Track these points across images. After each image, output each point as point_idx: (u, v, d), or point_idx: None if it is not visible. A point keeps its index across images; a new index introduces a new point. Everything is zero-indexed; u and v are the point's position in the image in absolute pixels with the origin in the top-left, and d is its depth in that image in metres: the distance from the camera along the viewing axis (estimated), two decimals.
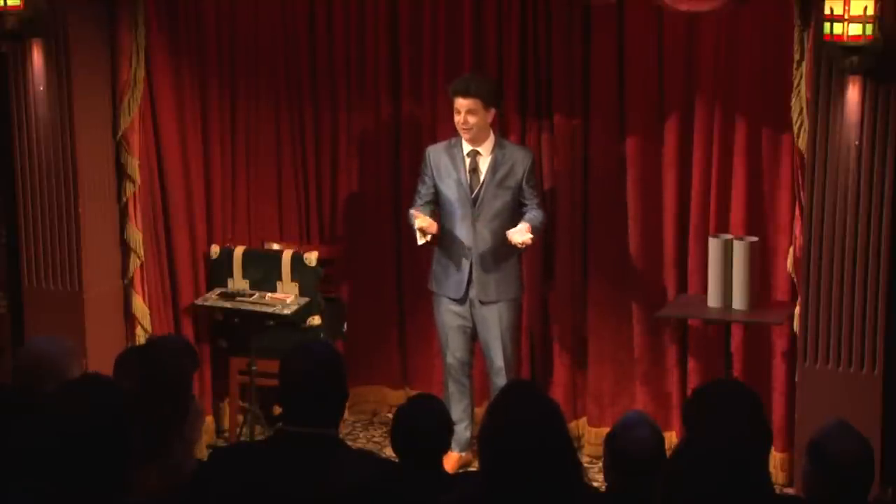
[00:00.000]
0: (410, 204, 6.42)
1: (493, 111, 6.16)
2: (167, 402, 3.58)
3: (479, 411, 6.79)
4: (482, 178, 6.18)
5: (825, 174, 5.38)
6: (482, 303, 6.23)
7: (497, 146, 6.21)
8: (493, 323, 6.24)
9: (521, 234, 6.02)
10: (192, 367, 3.87)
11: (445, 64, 6.73)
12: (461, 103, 6.10)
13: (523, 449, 3.09)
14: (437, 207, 6.30)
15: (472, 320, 6.30)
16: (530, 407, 3.21)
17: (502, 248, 6.16)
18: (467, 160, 6.21)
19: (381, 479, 3.05)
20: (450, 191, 6.22)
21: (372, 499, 2.99)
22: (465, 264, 6.20)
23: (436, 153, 6.30)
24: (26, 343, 4.70)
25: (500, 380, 6.23)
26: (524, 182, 6.18)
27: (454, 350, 6.32)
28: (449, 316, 6.30)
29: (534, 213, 6.16)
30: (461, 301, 6.25)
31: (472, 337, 6.37)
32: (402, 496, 3.05)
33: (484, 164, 6.20)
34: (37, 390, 3.90)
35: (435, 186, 6.26)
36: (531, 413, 3.18)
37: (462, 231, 6.20)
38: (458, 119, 6.14)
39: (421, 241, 6.18)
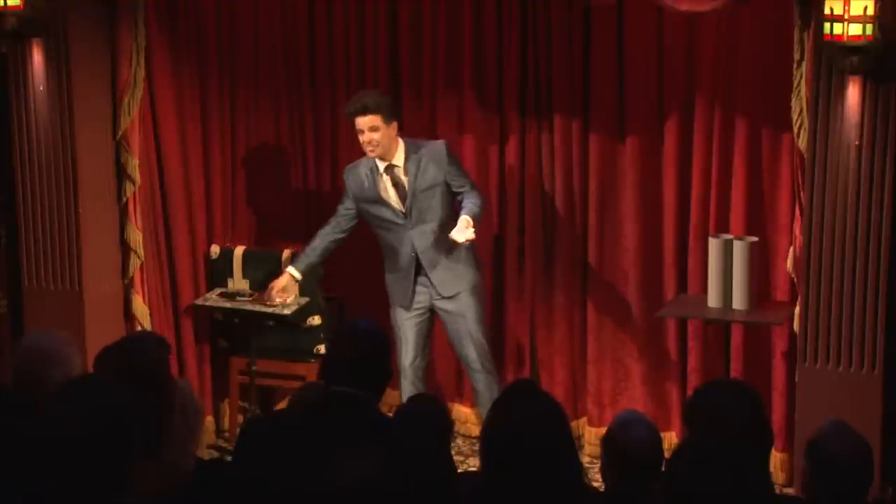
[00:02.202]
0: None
1: (395, 123, 6.05)
2: (150, 391, 3.56)
3: (469, 410, 6.81)
4: (407, 188, 6.11)
5: (825, 174, 5.38)
6: (445, 298, 6.18)
7: (409, 152, 6.11)
8: (460, 317, 6.18)
9: (461, 234, 5.88)
10: (167, 355, 3.88)
11: (445, 64, 6.73)
12: (362, 122, 5.99)
13: (524, 449, 3.09)
14: (350, 227, 6.30)
15: (428, 320, 6.25)
16: (532, 406, 3.21)
17: (446, 243, 6.08)
18: (386, 177, 6.13)
19: (381, 479, 3.05)
20: (380, 210, 6.16)
21: (372, 499, 3.00)
22: (412, 271, 6.15)
23: (354, 177, 6.22)
24: (23, 340, 4.70)
25: (481, 382, 6.21)
26: (447, 174, 6.10)
27: (408, 350, 6.23)
28: (402, 318, 6.24)
29: (470, 201, 6.03)
30: (407, 307, 6.22)
31: (427, 336, 6.31)
32: (402, 497, 3.05)
33: (403, 175, 6.12)
34: (40, 388, 3.90)
35: (357, 207, 6.21)
36: (532, 413, 3.18)
37: (403, 241, 6.14)
38: (362, 139, 6.03)
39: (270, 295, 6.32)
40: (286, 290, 6.35)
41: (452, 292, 6.18)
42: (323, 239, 6.33)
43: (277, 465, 3.56)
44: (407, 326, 6.24)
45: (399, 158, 6.11)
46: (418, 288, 6.19)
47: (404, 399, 6.15)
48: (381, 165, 6.12)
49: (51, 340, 4.19)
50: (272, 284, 6.36)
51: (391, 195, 6.13)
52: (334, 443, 3.36)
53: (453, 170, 6.12)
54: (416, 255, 6.13)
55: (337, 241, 6.34)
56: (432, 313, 6.25)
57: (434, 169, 6.09)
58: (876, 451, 3.59)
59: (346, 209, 6.28)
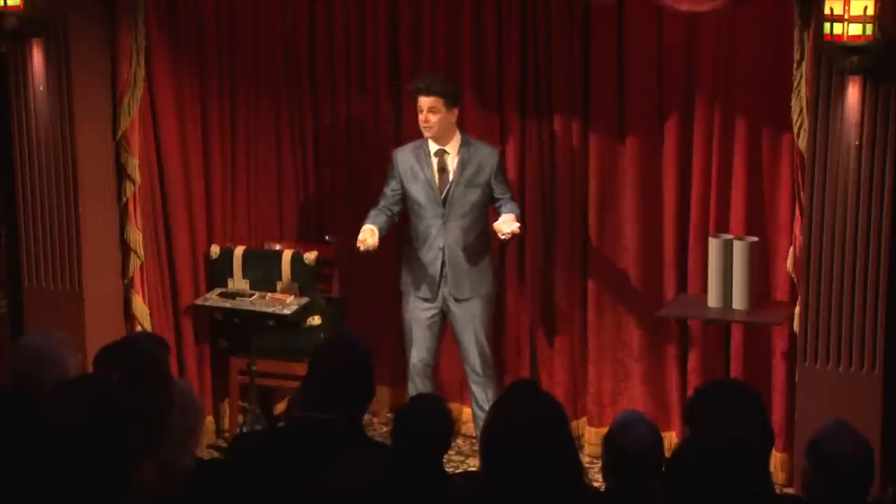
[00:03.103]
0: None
1: (455, 111, 6.17)
2: (150, 391, 3.56)
3: (468, 410, 6.82)
4: (451, 176, 6.18)
5: (825, 174, 5.38)
6: (456, 300, 6.22)
7: (463, 145, 6.21)
8: (467, 321, 6.23)
9: (508, 225, 5.99)
10: (166, 355, 3.88)
11: (445, 64, 6.72)
12: (423, 101, 6.11)
13: (524, 449, 3.09)
14: (399, 211, 6.28)
15: (441, 320, 6.29)
16: (532, 406, 3.21)
17: (474, 245, 6.19)
18: (434, 160, 6.20)
19: (382, 479, 3.05)
20: (419, 192, 6.21)
21: (373, 499, 3.00)
22: (437, 263, 6.20)
23: (403, 155, 6.28)
24: (21, 340, 4.69)
25: (478, 385, 6.25)
26: (493, 179, 6.18)
27: (419, 348, 6.28)
28: (417, 312, 6.27)
29: (511, 205, 6.16)
30: (432, 300, 6.25)
31: (439, 336, 6.34)
32: (403, 497, 3.05)
33: (452, 163, 6.19)
34: (36, 389, 3.90)
35: (402, 188, 6.25)
36: (532, 413, 3.18)
37: (433, 231, 6.19)
38: (420, 118, 6.14)
39: (362, 248, 6.11)
40: (373, 236, 6.11)
41: (466, 295, 6.22)
42: (380, 213, 6.26)
43: (263, 481, 3.56)
44: (422, 325, 6.27)
45: (452, 146, 6.19)
46: (443, 285, 6.22)
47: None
48: (433, 148, 6.20)
49: (47, 341, 4.18)
50: (362, 237, 6.08)
51: (435, 179, 6.18)
52: (318, 470, 3.34)
53: (500, 176, 6.22)
54: (443, 249, 6.16)
55: (391, 216, 6.28)
56: (445, 313, 6.28)
57: (482, 167, 6.17)
58: (876, 451, 3.58)
59: (393, 190, 6.27)
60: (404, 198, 6.27)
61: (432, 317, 6.27)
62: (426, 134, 6.16)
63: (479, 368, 6.26)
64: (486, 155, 6.20)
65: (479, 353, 6.25)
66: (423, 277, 6.25)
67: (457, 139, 6.20)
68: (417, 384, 6.28)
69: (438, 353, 6.41)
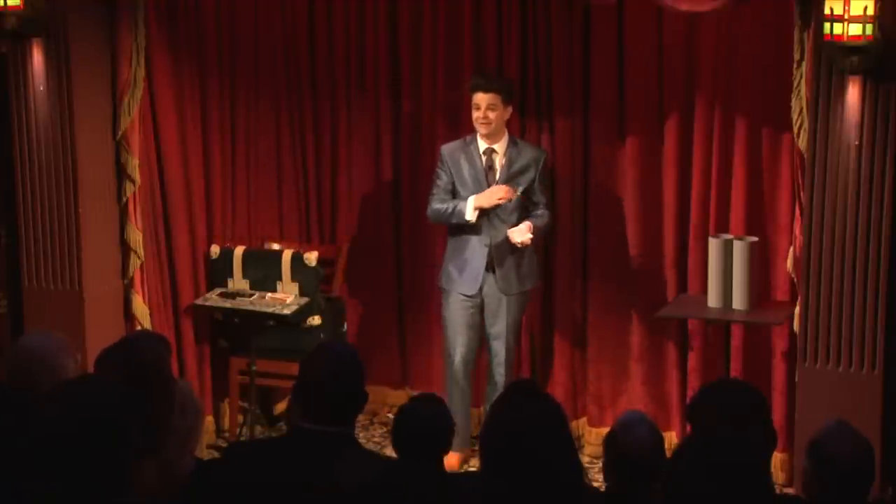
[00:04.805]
0: (423, 202, 6.40)
1: (510, 108, 6.22)
2: (151, 391, 3.56)
3: (474, 412, 6.82)
4: (498, 174, 6.22)
5: (825, 174, 5.38)
6: (506, 294, 6.24)
7: (511, 144, 6.25)
8: (502, 317, 6.25)
9: (520, 234, 6.08)
10: (168, 354, 3.88)
11: (445, 64, 6.73)
12: (481, 98, 6.14)
13: (524, 449, 3.09)
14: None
15: (480, 318, 6.30)
16: (532, 407, 3.21)
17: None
18: (483, 158, 6.23)
19: (382, 480, 3.05)
20: (466, 188, 6.24)
21: (373, 499, 3.00)
22: (482, 260, 6.21)
23: (451, 151, 6.31)
24: (20, 340, 4.69)
25: (499, 383, 6.26)
26: (536, 181, 6.22)
27: (460, 349, 6.30)
28: (459, 312, 6.29)
29: (540, 213, 6.23)
30: (474, 296, 6.26)
31: (480, 334, 6.36)
32: (403, 497, 3.05)
33: (499, 161, 6.24)
34: (33, 388, 3.89)
35: (452, 182, 6.27)
36: (532, 413, 3.18)
37: (479, 227, 6.20)
38: (477, 114, 6.16)
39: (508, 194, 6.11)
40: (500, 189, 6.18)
41: (515, 291, 6.26)
42: (446, 199, 6.27)
43: (262, 482, 3.56)
44: (465, 324, 6.29)
45: (500, 146, 6.24)
46: (487, 281, 6.24)
47: (451, 397, 6.16)
48: (482, 147, 6.23)
49: (44, 343, 4.16)
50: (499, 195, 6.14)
51: (483, 175, 6.22)
52: (315, 473, 3.33)
53: (543, 179, 6.27)
54: (490, 246, 6.19)
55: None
56: (482, 310, 6.30)
57: (529, 166, 6.23)
58: (876, 451, 3.58)
59: (445, 184, 6.29)
60: (454, 192, 6.28)
61: (473, 315, 6.30)
62: (482, 131, 6.19)
63: (502, 367, 6.29)
64: (534, 153, 6.28)
65: (505, 350, 6.28)
66: (467, 274, 6.25)
67: (505, 139, 6.25)
68: (462, 385, 6.30)
69: (476, 348, 6.42)
